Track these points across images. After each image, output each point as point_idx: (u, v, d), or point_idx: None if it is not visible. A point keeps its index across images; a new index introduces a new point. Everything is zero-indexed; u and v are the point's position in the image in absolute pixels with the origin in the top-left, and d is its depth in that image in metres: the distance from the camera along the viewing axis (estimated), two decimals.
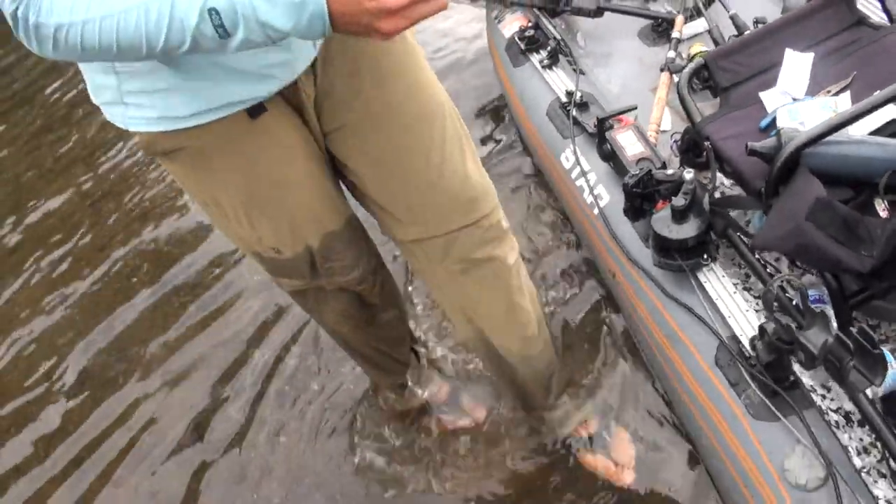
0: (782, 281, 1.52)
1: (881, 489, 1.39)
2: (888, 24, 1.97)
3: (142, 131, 1.34)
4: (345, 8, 0.99)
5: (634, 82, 2.54)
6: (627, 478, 1.96)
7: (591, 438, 2.02)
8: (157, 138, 1.35)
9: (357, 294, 1.84)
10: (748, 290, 1.75)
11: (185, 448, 2.47)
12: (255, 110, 1.37)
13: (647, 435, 2.03)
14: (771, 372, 1.54)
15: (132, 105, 1.29)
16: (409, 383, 2.23)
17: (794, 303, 1.51)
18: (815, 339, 1.38)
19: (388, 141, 1.54)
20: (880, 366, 1.28)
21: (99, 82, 1.31)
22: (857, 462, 1.44)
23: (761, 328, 1.52)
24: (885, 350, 1.46)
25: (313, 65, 1.40)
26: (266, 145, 1.43)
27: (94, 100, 1.36)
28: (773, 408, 1.54)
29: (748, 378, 1.60)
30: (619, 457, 2.01)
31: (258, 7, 0.98)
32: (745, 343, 1.64)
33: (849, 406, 1.52)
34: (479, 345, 1.89)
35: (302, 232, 1.59)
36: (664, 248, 1.80)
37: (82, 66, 1.31)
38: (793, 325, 1.41)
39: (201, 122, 1.31)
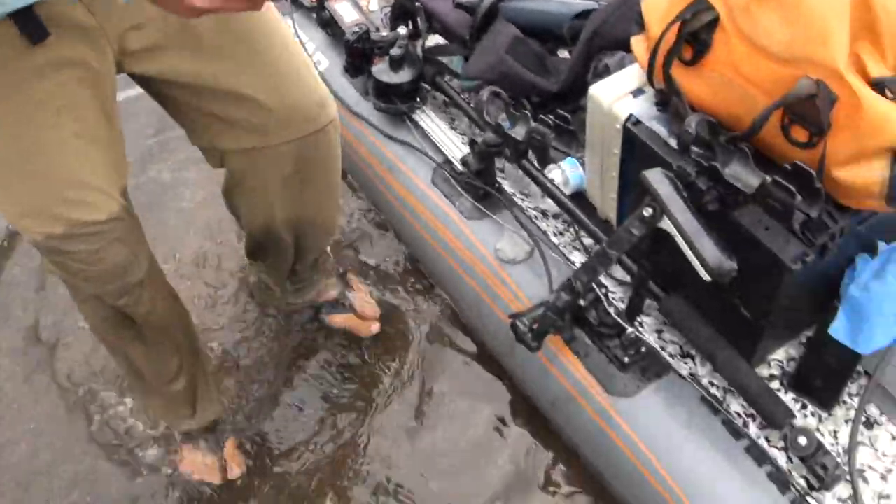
0: (489, 95, 1.81)
1: (576, 257, 1.73)
2: None
3: None
4: None
5: None
6: (374, 328, 2.04)
7: (336, 301, 2.06)
8: None
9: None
10: (454, 129, 2.04)
11: None
12: (36, 31, 1.16)
13: (387, 286, 2.17)
14: (481, 178, 1.83)
15: None
16: None
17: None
18: (520, 131, 1.68)
19: (232, 38, 1.37)
20: (575, 141, 1.60)
21: None
22: (556, 240, 1.77)
23: (471, 140, 1.80)
24: (573, 156, 1.84)
25: None
26: (47, 88, 1.23)
27: None
28: (482, 208, 1.83)
29: (460, 190, 1.87)
30: (363, 312, 2.06)
31: None
32: (457, 164, 1.92)
33: (544, 205, 1.86)
34: (289, 237, 1.72)
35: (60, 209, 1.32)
36: (384, 94, 2.03)
37: None
38: (502, 124, 1.70)
39: None
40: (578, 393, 1.59)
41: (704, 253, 1.29)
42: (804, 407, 1.55)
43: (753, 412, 1.52)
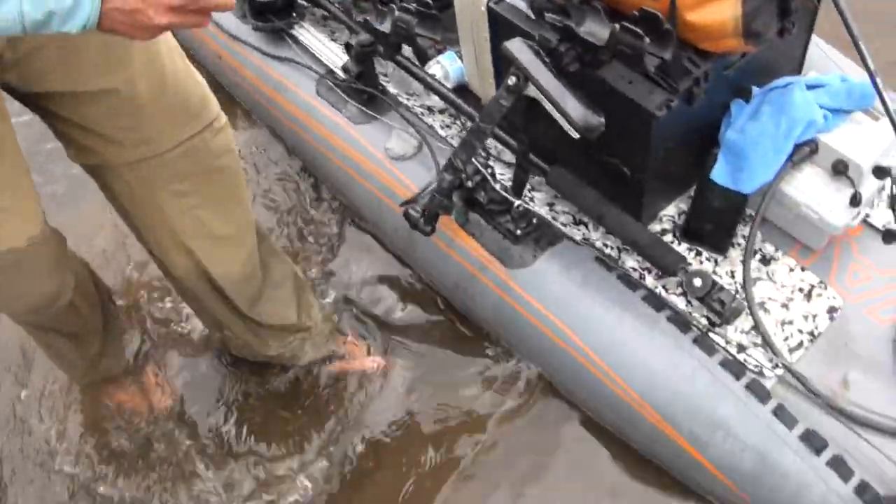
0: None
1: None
2: None
3: None
4: None
5: None
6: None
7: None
8: None
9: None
10: (336, 41, 2.04)
11: None
12: None
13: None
14: (363, 82, 1.84)
15: None
16: None
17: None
18: (387, 25, 1.68)
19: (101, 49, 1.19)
20: (440, 26, 1.61)
21: None
22: (443, 133, 1.80)
23: (347, 44, 1.81)
24: (451, 50, 1.86)
25: None
26: None
27: None
28: (369, 111, 1.85)
29: (345, 97, 1.88)
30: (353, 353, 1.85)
31: None
32: (339, 72, 1.92)
33: (430, 102, 1.88)
34: (197, 276, 1.50)
35: None
36: (260, 13, 2.02)
37: None
38: (371, 22, 1.71)
39: None
40: (478, 271, 1.63)
41: (569, 111, 1.33)
42: (699, 254, 1.62)
43: (649, 265, 1.59)
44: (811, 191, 1.50)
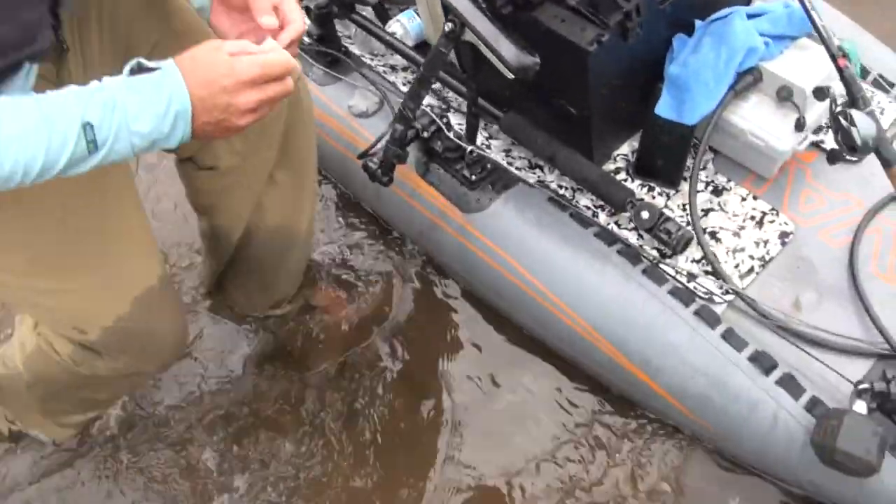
0: None
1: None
2: None
3: None
4: (204, 91, 0.92)
5: None
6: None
7: None
8: None
9: None
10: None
11: None
12: None
13: None
14: (325, 44, 1.89)
15: None
16: None
17: None
18: None
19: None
20: None
21: None
22: (405, 90, 1.85)
23: (306, 7, 1.86)
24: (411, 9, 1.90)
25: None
26: None
27: None
28: (332, 72, 1.89)
29: (310, 60, 1.93)
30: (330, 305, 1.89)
31: (129, 108, 0.89)
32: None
33: (393, 61, 1.93)
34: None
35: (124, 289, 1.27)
36: None
37: None
38: None
39: None
40: (438, 218, 1.68)
41: (503, 53, 1.36)
42: (652, 190, 1.64)
43: (602, 203, 1.62)
44: (755, 118, 1.53)
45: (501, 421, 1.66)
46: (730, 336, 1.43)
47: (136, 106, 0.90)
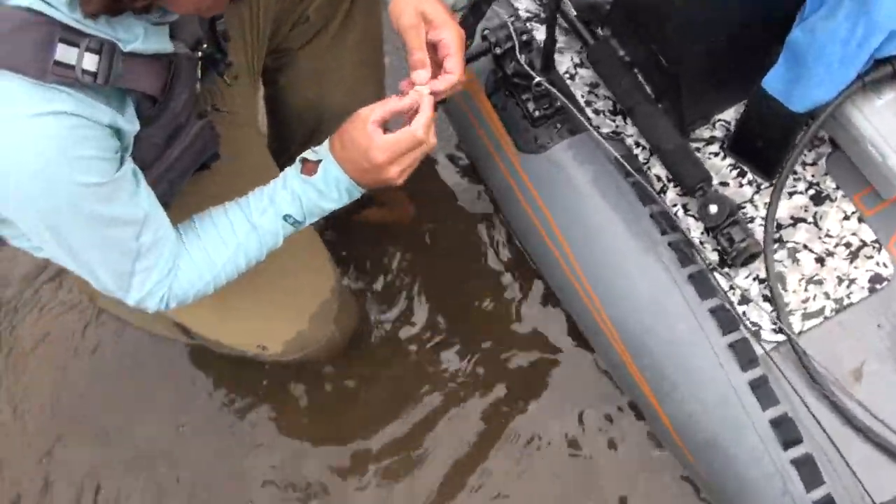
0: None
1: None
2: None
3: None
4: (356, 173, 1.05)
5: None
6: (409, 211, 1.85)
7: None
8: None
9: None
10: None
11: None
12: None
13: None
14: None
15: None
16: None
17: None
18: None
19: None
20: None
21: None
22: None
23: None
24: None
25: None
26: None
27: None
28: None
29: None
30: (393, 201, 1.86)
31: (311, 197, 1.07)
32: None
33: None
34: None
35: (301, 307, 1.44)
36: None
37: None
38: None
39: None
40: (494, 149, 1.46)
41: None
42: (742, 175, 1.33)
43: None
44: (881, 124, 1.15)
45: None
46: (759, 386, 1.16)
47: (316, 196, 1.07)
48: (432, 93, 1.03)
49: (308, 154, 1.07)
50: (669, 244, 1.27)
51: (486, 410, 1.62)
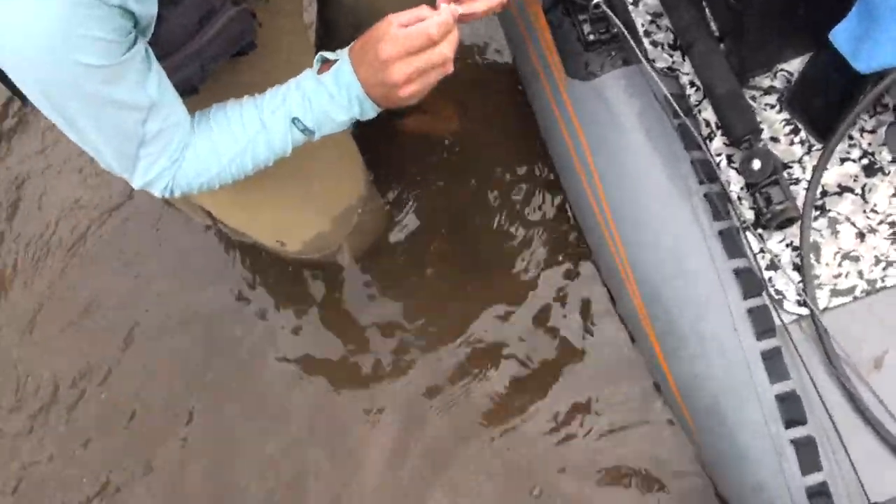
0: None
1: None
2: None
3: None
4: (364, 73, 0.97)
5: None
6: (454, 124, 1.78)
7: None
8: None
9: None
10: None
11: None
12: None
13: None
14: None
15: None
16: None
17: None
18: None
19: None
20: None
21: None
22: None
23: None
24: None
25: None
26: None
27: None
28: None
29: None
30: (437, 110, 1.80)
31: (322, 102, 1.01)
32: None
33: None
34: None
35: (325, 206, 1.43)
36: None
37: None
38: None
39: None
40: (541, 68, 1.39)
41: None
42: (795, 132, 1.24)
43: None
44: None
45: None
46: (771, 358, 1.11)
47: (327, 100, 1.00)
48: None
49: (327, 53, 1.02)
50: (705, 195, 1.20)
51: (502, 335, 1.58)
